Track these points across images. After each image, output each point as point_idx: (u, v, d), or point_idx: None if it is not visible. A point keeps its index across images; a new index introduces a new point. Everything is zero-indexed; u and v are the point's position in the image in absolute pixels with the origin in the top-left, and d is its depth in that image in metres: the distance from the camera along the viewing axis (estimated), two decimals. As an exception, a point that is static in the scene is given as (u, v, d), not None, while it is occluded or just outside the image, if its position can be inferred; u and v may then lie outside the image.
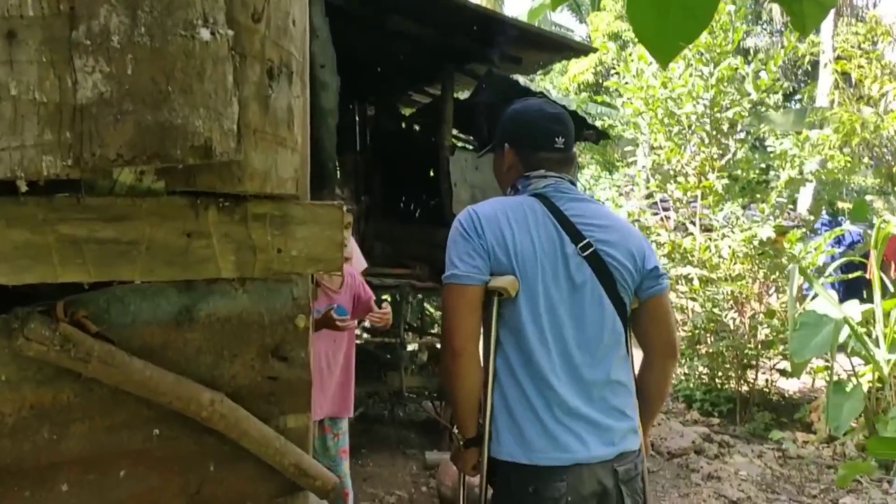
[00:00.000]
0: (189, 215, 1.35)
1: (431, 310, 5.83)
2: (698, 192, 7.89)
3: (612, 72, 9.51)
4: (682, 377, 8.22)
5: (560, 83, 23.34)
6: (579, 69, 21.95)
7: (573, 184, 2.01)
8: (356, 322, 3.52)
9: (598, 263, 1.87)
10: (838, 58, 10.92)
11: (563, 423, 1.81)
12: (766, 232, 7.08)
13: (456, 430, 2.01)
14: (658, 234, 8.01)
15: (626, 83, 8.10)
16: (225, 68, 1.30)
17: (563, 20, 27.14)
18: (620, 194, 14.85)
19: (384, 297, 5.49)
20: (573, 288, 1.86)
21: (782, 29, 21.22)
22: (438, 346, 5.15)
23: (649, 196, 9.03)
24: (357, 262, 3.89)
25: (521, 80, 6.24)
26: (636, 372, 2.07)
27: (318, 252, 1.56)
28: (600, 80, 23.06)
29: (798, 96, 22.05)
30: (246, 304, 1.42)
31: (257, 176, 1.44)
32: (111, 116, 1.14)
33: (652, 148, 8.42)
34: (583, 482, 1.79)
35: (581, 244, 1.87)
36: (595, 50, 6.84)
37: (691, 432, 6.41)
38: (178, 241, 1.33)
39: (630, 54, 8.25)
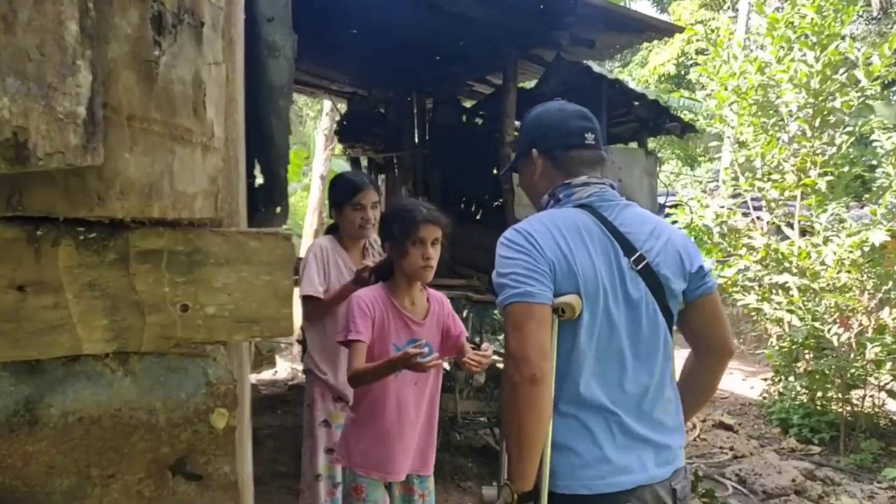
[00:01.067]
0: (23, 256, 0.81)
1: (492, 324, 5.24)
2: (797, 192, 7.03)
3: (697, 60, 8.70)
4: (777, 397, 7.39)
5: (639, 75, 22.32)
6: (660, 60, 20.92)
7: (613, 188, 1.94)
8: (443, 360, 2.72)
9: (651, 276, 1.82)
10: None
11: (622, 446, 1.78)
12: (879, 236, 6.19)
13: (507, 480, 1.80)
14: (750, 237, 7.19)
15: (716, 68, 7.28)
16: (61, 8, 0.77)
17: (641, 9, 25.99)
18: (704, 191, 13.91)
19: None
20: (630, 305, 1.81)
21: (879, 16, 19.62)
22: (500, 365, 4.57)
23: (737, 195, 8.20)
24: None
25: (594, 66, 5.59)
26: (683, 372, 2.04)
27: (252, 308, 1.02)
28: (682, 73, 22.00)
29: (901, 85, 20.35)
30: (128, 395, 0.89)
31: (135, 191, 0.89)
32: None
33: (739, 143, 7.58)
34: None
35: (634, 257, 1.81)
36: (681, 29, 6.05)
37: (790, 467, 5.61)
38: (3, 297, 0.81)
39: (720, 36, 7.43)
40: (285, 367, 8.07)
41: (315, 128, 15.07)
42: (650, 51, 21.64)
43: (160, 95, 0.91)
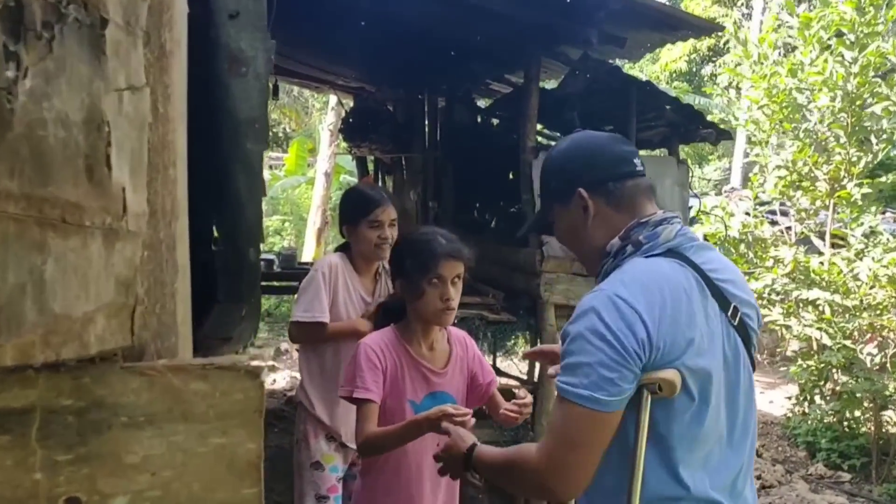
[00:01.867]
0: None
1: (509, 346, 4.80)
2: (829, 201, 6.59)
3: (712, 59, 8.25)
4: (801, 417, 6.98)
5: (650, 72, 21.80)
6: (671, 57, 20.41)
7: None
8: (472, 415, 2.07)
9: (744, 331, 1.57)
10: None
11: None
12: (920, 253, 5.76)
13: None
14: (776, 249, 6.76)
15: (740, 67, 6.83)
16: None
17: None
18: (719, 194, 13.49)
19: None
20: (730, 371, 1.54)
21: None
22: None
23: (761, 203, 7.78)
24: None
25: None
26: None
27: (192, 494, 0.57)
28: (694, 70, 21.50)
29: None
30: None
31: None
32: None
33: (759, 144, 7.13)
34: None
35: (730, 311, 1.54)
36: (721, 28, 5.60)
37: (820, 500, 5.20)
38: None
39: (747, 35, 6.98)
40: (284, 376, 7.65)
41: (321, 121, 14.64)
42: (661, 47, 21.14)
43: (18, 150, 0.48)
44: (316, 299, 2.78)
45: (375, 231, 2.82)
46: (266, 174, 17.08)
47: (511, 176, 5.72)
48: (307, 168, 15.54)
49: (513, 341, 4.47)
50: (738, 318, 1.54)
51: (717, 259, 1.60)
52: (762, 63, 6.62)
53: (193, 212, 0.77)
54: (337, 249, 3.10)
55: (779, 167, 6.86)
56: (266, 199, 16.57)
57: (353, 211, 2.89)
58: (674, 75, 20.89)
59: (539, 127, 5.53)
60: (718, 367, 1.50)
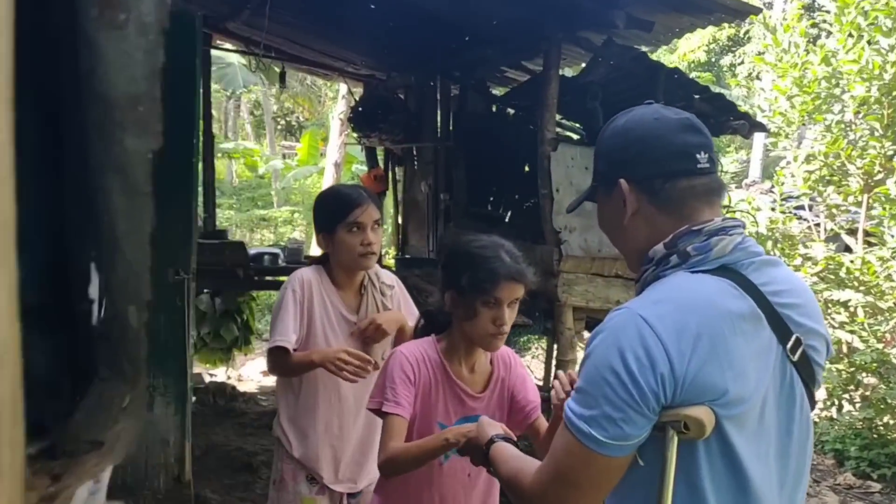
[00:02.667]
0: None
1: (520, 348, 4.49)
2: (863, 197, 6.23)
3: (732, 49, 7.87)
4: (829, 423, 6.65)
5: (668, 61, 21.34)
6: (690, 46, 19.97)
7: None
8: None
9: (806, 368, 1.30)
10: None
11: None
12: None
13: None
14: (807, 247, 6.41)
15: (778, 55, 6.46)
16: None
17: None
18: (739, 186, 13.09)
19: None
20: (781, 413, 1.28)
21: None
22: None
23: (786, 198, 7.41)
24: (408, 312, 2.59)
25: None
26: None
27: None
28: (713, 60, 21.04)
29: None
30: None
31: None
32: None
33: (772, 133, 6.77)
34: None
35: (790, 344, 1.27)
36: (758, 10, 5.26)
37: (851, 513, 4.90)
38: None
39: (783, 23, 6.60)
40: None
41: (332, 110, 14.37)
42: (691, 32, 20.73)
43: None
44: (280, 322, 2.38)
45: (356, 236, 2.39)
46: (279, 163, 16.85)
47: (527, 168, 5.40)
48: (319, 158, 15.29)
49: (528, 346, 4.15)
50: (799, 352, 1.30)
51: (783, 278, 1.33)
52: (791, 51, 6.25)
53: (65, 245, 0.49)
54: (312, 262, 2.67)
55: (809, 159, 6.50)
56: (278, 190, 16.38)
57: (327, 215, 2.45)
58: (692, 66, 20.45)
59: (558, 117, 5.22)
60: (767, 410, 1.28)
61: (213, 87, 16.15)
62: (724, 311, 1.21)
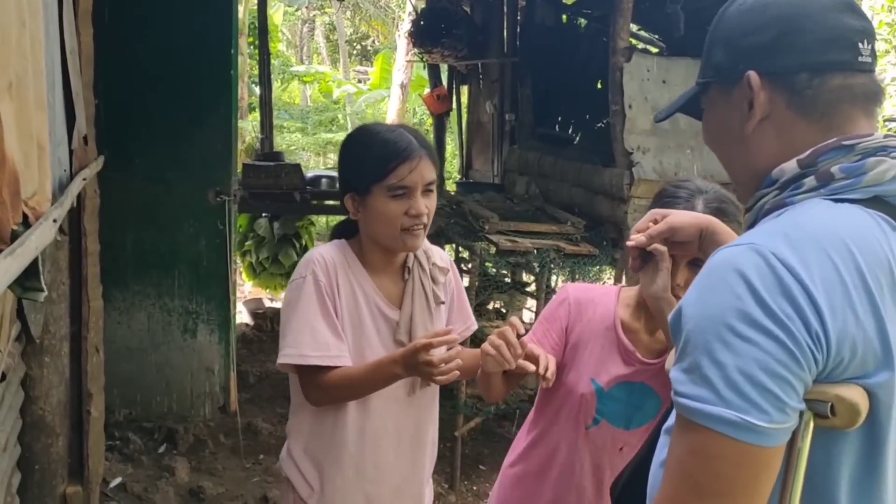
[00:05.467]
0: None
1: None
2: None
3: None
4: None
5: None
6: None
7: None
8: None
9: None
10: None
11: None
12: None
13: None
14: None
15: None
16: None
17: None
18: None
19: (516, 263, 3.80)
20: None
21: None
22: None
23: (888, 119, 6.66)
24: (462, 313, 1.93)
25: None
26: None
27: None
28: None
29: None
30: None
31: None
32: None
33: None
34: None
35: None
36: None
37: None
38: None
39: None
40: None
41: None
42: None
43: None
44: (306, 327, 1.65)
45: (401, 203, 1.65)
46: (352, 88, 16.58)
47: (600, 86, 4.92)
48: (391, 81, 14.95)
49: (594, 278, 3.79)
50: None
51: None
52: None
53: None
54: (334, 234, 1.87)
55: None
56: (349, 114, 16.15)
57: (359, 169, 1.69)
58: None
59: (635, 28, 4.69)
60: None
61: (284, 7, 15.84)
62: (882, 255, 0.89)
